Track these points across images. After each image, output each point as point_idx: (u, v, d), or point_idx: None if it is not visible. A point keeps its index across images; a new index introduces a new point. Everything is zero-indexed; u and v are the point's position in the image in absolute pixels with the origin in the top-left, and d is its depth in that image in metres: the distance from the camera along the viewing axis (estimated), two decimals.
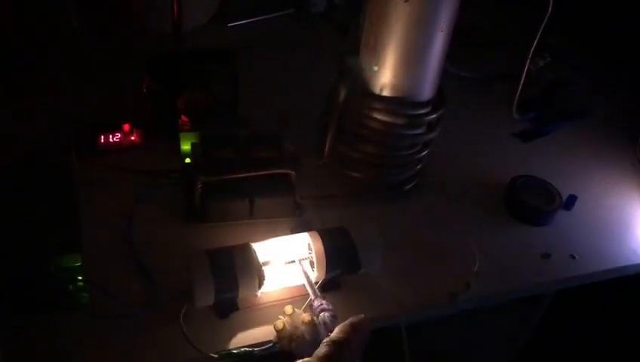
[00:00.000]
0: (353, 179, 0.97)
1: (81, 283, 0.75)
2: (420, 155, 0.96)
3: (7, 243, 0.76)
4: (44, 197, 0.82)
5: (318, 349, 0.63)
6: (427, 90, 0.89)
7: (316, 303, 0.74)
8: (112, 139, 0.96)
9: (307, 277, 0.78)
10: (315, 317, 0.72)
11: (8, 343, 0.72)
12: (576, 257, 0.94)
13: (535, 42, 1.08)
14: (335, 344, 0.63)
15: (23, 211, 0.80)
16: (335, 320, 0.71)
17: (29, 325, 0.74)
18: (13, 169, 0.86)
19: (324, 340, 0.65)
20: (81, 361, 0.72)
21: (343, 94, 0.90)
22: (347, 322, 0.67)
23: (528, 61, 1.11)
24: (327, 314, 0.72)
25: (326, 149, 0.96)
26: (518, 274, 0.90)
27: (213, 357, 0.72)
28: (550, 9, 1.02)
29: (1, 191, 0.82)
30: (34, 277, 0.74)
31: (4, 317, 0.74)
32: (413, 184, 0.99)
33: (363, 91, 0.89)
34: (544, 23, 1.05)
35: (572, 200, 1.01)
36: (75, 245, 0.76)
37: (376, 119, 0.89)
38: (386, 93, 0.87)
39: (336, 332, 0.66)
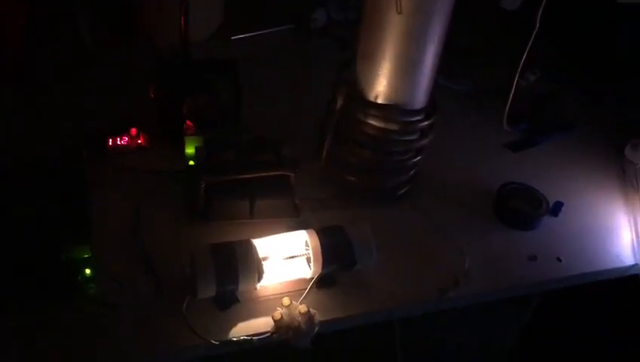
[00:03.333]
0: (349, 183, 1.01)
1: (89, 274, 0.80)
2: (413, 161, 1.00)
3: (20, 236, 0.80)
4: (56, 195, 0.87)
5: None
6: (420, 98, 0.94)
7: None
8: (120, 142, 1.01)
9: None
10: None
11: (19, 332, 0.76)
12: (562, 260, 0.98)
13: (524, 57, 1.13)
14: None
15: (36, 207, 0.85)
16: None
17: (39, 314, 0.78)
18: (27, 168, 0.90)
19: None
20: (90, 349, 0.76)
21: (340, 102, 0.95)
22: None
23: (517, 75, 1.16)
24: None
25: (323, 154, 1.01)
26: (505, 274, 0.95)
27: (214, 344, 0.76)
28: (537, 25, 1.08)
29: (15, 188, 0.87)
30: (45, 268, 0.78)
31: (16, 306, 0.78)
32: (406, 189, 1.04)
33: (359, 99, 0.94)
34: (532, 39, 1.10)
35: (558, 206, 1.05)
36: (85, 238, 0.80)
37: (371, 125, 0.94)
38: (380, 100, 0.92)
39: None
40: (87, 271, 0.79)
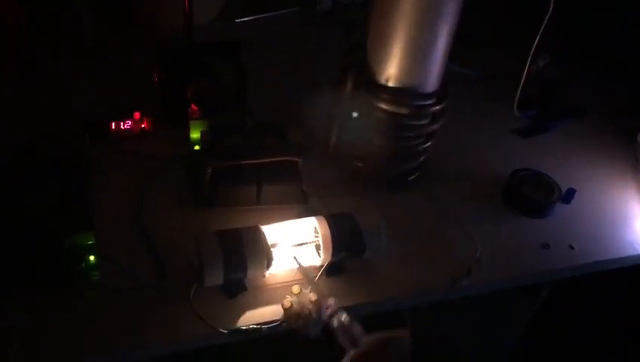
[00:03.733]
0: (358, 169, 0.99)
1: (93, 261, 0.77)
2: (423, 146, 0.98)
3: (22, 222, 0.78)
4: (58, 180, 0.85)
5: None
6: (432, 82, 0.91)
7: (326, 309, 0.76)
8: (124, 126, 0.99)
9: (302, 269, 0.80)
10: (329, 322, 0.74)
11: (22, 318, 0.74)
12: (575, 248, 0.96)
13: (536, 42, 1.11)
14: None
15: (38, 192, 0.82)
16: (352, 321, 0.73)
17: (42, 301, 0.76)
18: (29, 153, 0.88)
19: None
20: (94, 335, 0.74)
21: (349, 85, 0.93)
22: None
23: (529, 60, 1.14)
24: (341, 317, 0.74)
25: (332, 139, 0.98)
26: (517, 262, 0.93)
27: (222, 332, 0.74)
28: (551, 9, 1.05)
29: (17, 173, 0.84)
30: (48, 256, 0.76)
31: (19, 293, 0.76)
32: (416, 175, 1.02)
33: (369, 82, 0.91)
34: (544, 23, 1.08)
35: (571, 193, 1.03)
36: (88, 224, 0.78)
37: (381, 109, 0.91)
38: (391, 83, 0.90)
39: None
40: (92, 257, 0.77)
